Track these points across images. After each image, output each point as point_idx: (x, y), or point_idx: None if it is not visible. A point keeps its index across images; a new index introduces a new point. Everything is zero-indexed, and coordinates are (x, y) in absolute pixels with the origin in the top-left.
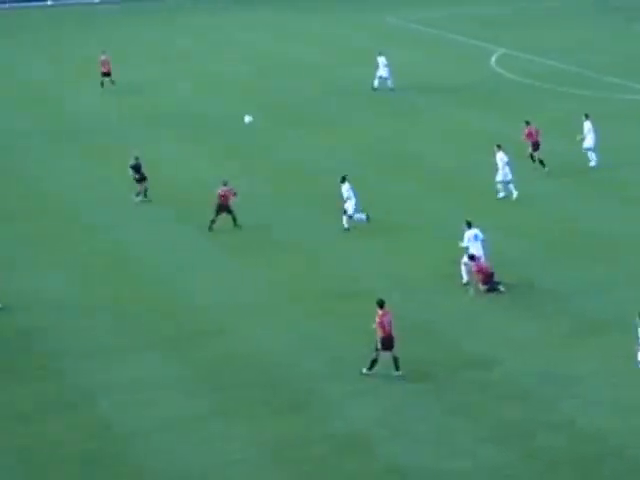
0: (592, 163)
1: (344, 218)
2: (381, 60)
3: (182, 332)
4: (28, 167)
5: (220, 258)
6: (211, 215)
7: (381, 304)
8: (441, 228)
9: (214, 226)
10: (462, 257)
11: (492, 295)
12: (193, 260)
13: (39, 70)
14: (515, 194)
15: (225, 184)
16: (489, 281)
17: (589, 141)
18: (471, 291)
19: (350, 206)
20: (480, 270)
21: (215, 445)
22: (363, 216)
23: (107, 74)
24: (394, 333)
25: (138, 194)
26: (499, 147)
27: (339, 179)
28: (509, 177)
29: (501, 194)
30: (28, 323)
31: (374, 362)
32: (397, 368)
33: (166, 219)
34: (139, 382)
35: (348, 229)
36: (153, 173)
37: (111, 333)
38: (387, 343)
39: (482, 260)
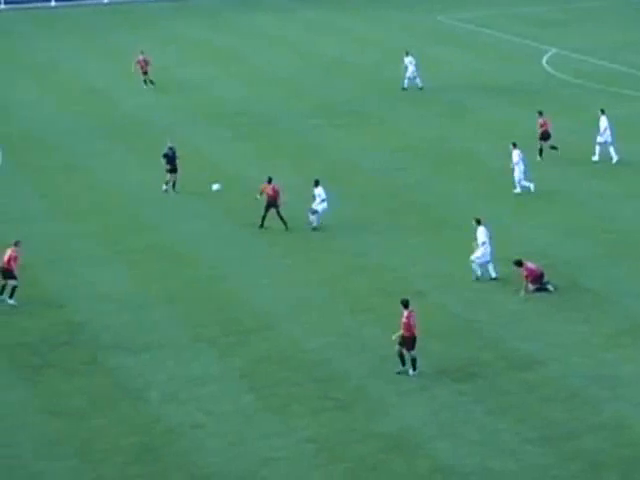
0: (614, 159)
1: (310, 217)
2: (408, 60)
3: (230, 328)
4: (85, 164)
5: (269, 255)
6: (261, 212)
7: (406, 304)
8: (488, 227)
9: (265, 223)
10: (472, 254)
11: (539, 295)
12: (243, 257)
13: (95, 68)
14: (532, 186)
15: (270, 181)
16: (539, 281)
17: (605, 137)
18: (522, 292)
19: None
20: (530, 272)
21: (259, 442)
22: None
23: (145, 73)
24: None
25: (166, 183)
26: (515, 145)
27: (313, 183)
28: (522, 175)
29: (517, 190)
30: (80, 317)
31: (402, 358)
32: (414, 368)
33: (217, 216)
34: (187, 378)
35: (316, 227)
36: (204, 170)
37: (161, 328)
38: (410, 343)
39: (530, 263)
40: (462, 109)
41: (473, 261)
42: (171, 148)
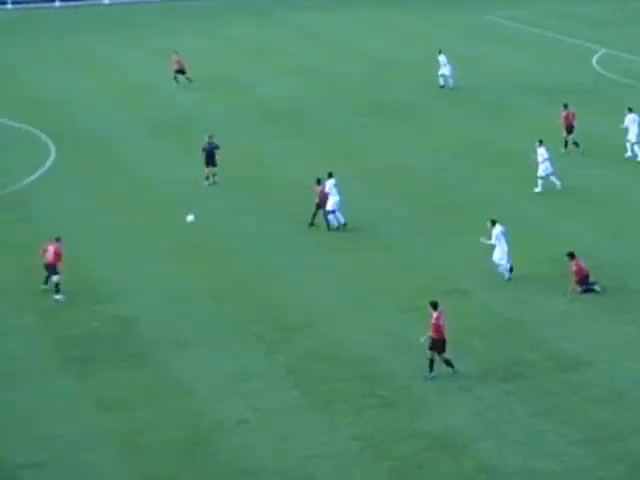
0: (639, 158)
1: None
2: (441, 59)
3: (276, 325)
4: (136, 160)
5: (316, 254)
6: (312, 210)
7: (435, 305)
8: (534, 227)
9: (315, 221)
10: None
11: (585, 296)
12: (289, 255)
13: (148, 66)
14: (558, 184)
15: (319, 182)
16: (585, 282)
17: (632, 135)
18: (571, 286)
19: (331, 203)
20: (579, 269)
21: (304, 438)
22: (341, 219)
23: (181, 72)
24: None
25: (207, 178)
26: (541, 143)
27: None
28: (549, 171)
29: (538, 189)
30: (129, 311)
31: (432, 362)
32: (452, 366)
33: (265, 214)
34: (234, 373)
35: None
36: (252, 168)
37: (208, 324)
38: (440, 346)
39: (580, 260)
40: (509, 109)
41: (497, 264)
42: (210, 142)
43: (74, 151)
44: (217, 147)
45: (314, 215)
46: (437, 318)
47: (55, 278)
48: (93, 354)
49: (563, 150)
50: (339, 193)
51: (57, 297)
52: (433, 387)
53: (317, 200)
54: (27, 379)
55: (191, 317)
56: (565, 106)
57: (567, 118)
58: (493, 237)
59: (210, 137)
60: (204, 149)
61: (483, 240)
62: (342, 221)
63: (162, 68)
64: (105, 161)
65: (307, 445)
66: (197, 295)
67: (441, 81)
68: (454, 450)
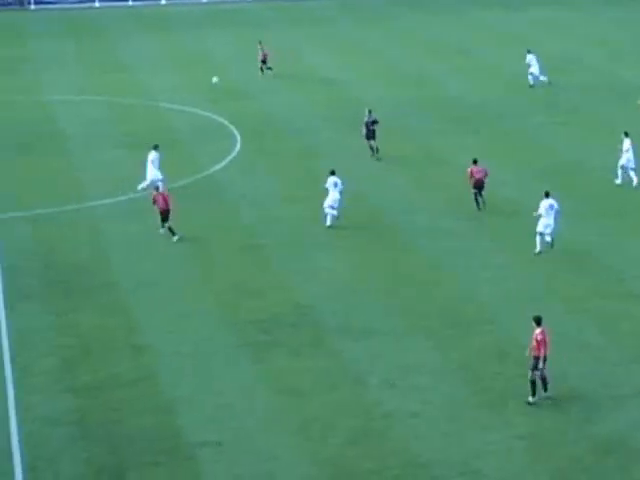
0: (618, 181)
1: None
2: (529, 58)
3: (449, 320)
4: (317, 150)
5: (490, 249)
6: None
7: (538, 321)
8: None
9: (481, 208)
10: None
11: None
12: (462, 250)
13: (326, 59)
14: (635, 181)
15: (475, 162)
16: None
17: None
18: None
19: (330, 199)
20: None
21: (473, 434)
22: (334, 212)
23: (264, 62)
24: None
25: (372, 150)
26: (627, 134)
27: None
28: (632, 164)
29: (618, 180)
30: (308, 300)
31: (534, 384)
32: (545, 389)
33: (437, 208)
34: (405, 366)
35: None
36: (430, 165)
37: (382, 316)
38: (538, 363)
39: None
40: None
41: (542, 233)
42: (370, 117)
43: (260, 140)
44: (376, 121)
45: (476, 200)
46: (542, 334)
47: (167, 224)
48: (272, 339)
49: None
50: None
51: (174, 238)
52: (604, 391)
53: (473, 183)
54: (207, 361)
55: (366, 308)
56: None
57: None
58: (542, 208)
59: (370, 112)
60: (365, 123)
61: (535, 214)
62: (334, 214)
63: (344, 63)
64: (290, 150)
65: (475, 441)
66: (373, 287)
67: (530, 79)
68: (623, 456)
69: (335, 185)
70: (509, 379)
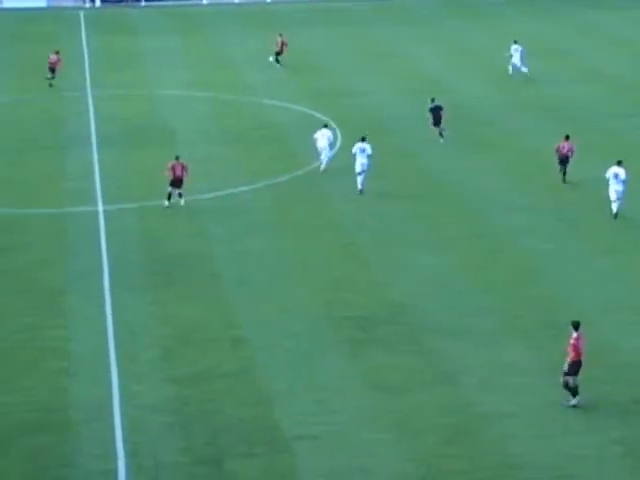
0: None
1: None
2: (514, 48)
3: (544, 322)
4: (416, 149)
5: (588, 251)
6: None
7: (576, 326)
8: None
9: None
10: None
11: None
12: (560, 252)
13: (431, 58)
14: None
15: (567, 138)
16: None
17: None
18: None
19: (358, 164)
20: None
21: (566, 437)
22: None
23: (278, 53)
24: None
25: (441, 135)
26: None
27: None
28: None
29: None
30: (404, 298)
31: (570, 388)
32: (574, 395)
33: (537, 209)
34: (500, 366)
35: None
36: (530, 164)
37: (478, 316)
38: (576, 368)
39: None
40: None
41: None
42: (433, 102)
43: (357, 137)
44: (441, 108)
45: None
46: (576, 339)
47: (178, 191)
48: (368, 336)
49: None
50: None
51: (182, 203)
52: None
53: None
54: (304, 356)
55: (462, 308)
56: None
57: None
58: (609, 172)
59: (433, 99)
60: (430, 109)
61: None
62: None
63: (449, 61)
64: (387, 149)
65: (569, 444)
66: (468, 287)
67: (510, 70)
68: None
69: (362, 151)
70: (604, 383)
